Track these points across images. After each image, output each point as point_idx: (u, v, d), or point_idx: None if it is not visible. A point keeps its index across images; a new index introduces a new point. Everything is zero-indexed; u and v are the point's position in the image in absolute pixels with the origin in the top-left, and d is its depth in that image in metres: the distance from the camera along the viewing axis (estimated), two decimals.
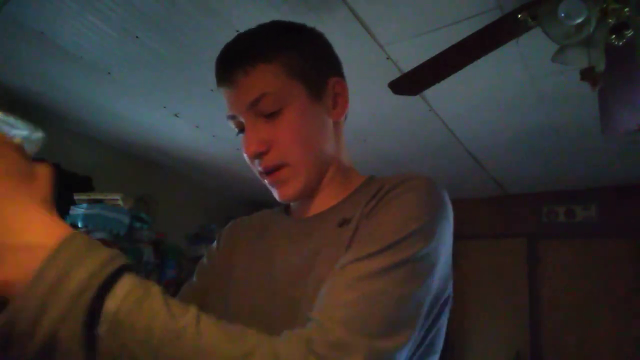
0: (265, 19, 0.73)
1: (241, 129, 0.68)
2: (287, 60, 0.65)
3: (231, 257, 0.76)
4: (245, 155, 0.67)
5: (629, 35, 1.28)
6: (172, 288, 3.27)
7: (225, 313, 0.68)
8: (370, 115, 2.64)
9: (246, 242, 0.77)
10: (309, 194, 0.69)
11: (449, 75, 1.66)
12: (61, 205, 2.91)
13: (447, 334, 0.63)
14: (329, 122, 0.69)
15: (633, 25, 1.26)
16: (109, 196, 2.94)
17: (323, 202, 0.70)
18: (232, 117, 0.68)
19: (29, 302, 0.36)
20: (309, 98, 0.66)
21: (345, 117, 0.74)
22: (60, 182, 2.97)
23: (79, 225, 2.79)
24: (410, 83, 1.74)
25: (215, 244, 0.82)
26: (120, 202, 2.92)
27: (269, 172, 0.66)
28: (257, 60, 0.64)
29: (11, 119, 0.48)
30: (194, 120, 2.92)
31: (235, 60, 0.65)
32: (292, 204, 0.76)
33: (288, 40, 0.68)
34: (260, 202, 3.66)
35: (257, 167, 0.67)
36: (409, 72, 1.69)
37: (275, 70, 0.64)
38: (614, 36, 1.29)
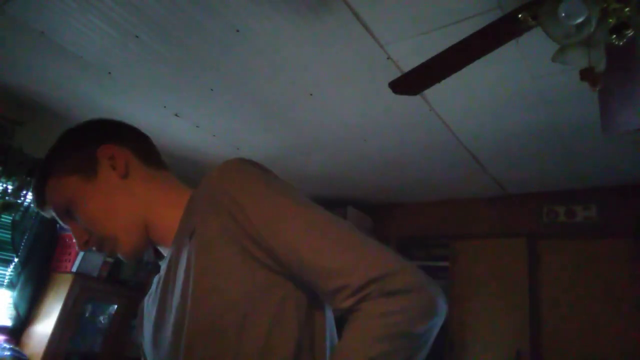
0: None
1: None
2: (53, 172, 0.75)
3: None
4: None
5: (629, 35, 1.28)
6: None
7: None
8: (370, 115, 2.64)
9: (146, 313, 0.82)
10: (151, 240, 0.77)
11: (449, 75, 1.66)
12: None
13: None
14: (119, 183, 0.75)
15: (634, 25, 1.26)
16: None
17: (169, 232, 0.74)
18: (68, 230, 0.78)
19: None
20: (85, 181, 0.74)
21: (147, 163, 0.79)
22: None
23: None
24: (410, 83, 1.74)
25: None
26: None
27: (102, 250, 0.76)
28: (41, 189, 0.76)
29: None
30: (194, 120, 2.92)
31: (36, 197, 0.78)
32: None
33: (48, 159, 0.77)
34: None
35: (93, 251, 0.78)
36: (409, 72, 1.69)
37: (50, 185, 0.75)
38: (614, 36, 1.29)
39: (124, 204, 0.74)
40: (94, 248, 0.76)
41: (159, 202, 0.76)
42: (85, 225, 0.74)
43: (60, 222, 0.78)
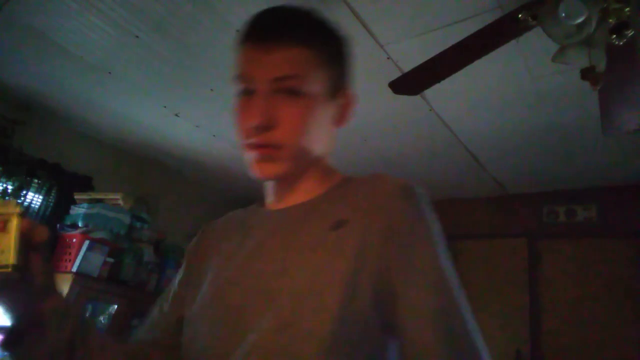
0: None
1: (248, 91, 0.66)
2: (324, 52, 0.67)
3: (205, 264, 0.74)
4: (240, 122, 0.66)
5: (629, 35, 1.28)
6: None
7: (197, 316, 0.68)
8: (370, 115, 2.64)
9: (220, 243, 0.75)
10: (286, 179, 0.70)
11: (449, 75, 1.66)
12: (62, 205, 2.91)
13: None
14: (333, 126, 0.72)
15: (634, 25, 1.26)
16: (109, 196, 2.94)
17: (301, 193, 0.71)
18: (246, 78, 0.66)
19: None
20: (326, 94, 0.68)
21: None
22: (60, 182, 2.95)
23: (79, 225, 2.78)
24: (410, 83, 1.75)
25: (185, 258, 0.81)
26: (120, 202, 2.92)
27: (262, 146, 0.65)
28: (300, 40, 0.65)
29: None
30: (194, 120, 2.92)
31: (280, 29, 0.65)
32: (268, 196, 0.75)
33: (332, 35, 0.71)
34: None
35: (249, 138, 0.65)
36: (409, 72, 1.69)
37: (312, 56, 0.65)
38: (614, 36, 1.29)
39: (321, 141, 0.71)
40: (254, 137, 0.65)
41: (322, 163, 0.74)
42: (282, 120, 0.64)
43: (253, 70, 0.64)
